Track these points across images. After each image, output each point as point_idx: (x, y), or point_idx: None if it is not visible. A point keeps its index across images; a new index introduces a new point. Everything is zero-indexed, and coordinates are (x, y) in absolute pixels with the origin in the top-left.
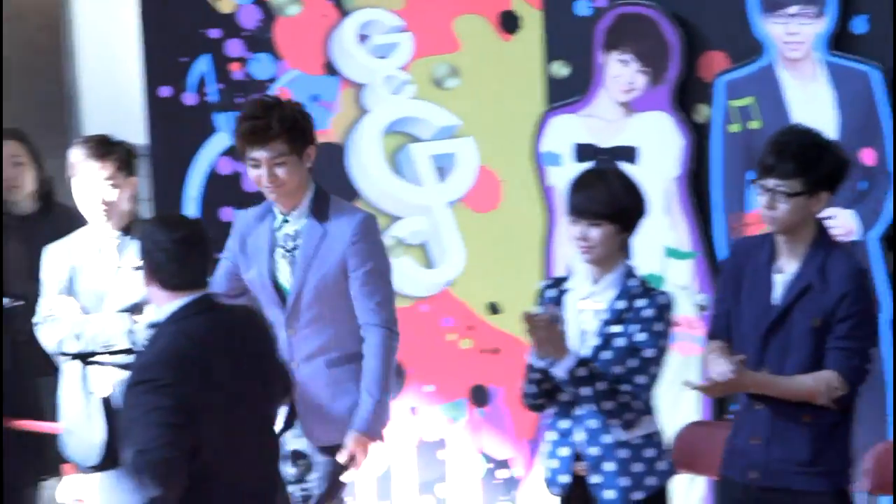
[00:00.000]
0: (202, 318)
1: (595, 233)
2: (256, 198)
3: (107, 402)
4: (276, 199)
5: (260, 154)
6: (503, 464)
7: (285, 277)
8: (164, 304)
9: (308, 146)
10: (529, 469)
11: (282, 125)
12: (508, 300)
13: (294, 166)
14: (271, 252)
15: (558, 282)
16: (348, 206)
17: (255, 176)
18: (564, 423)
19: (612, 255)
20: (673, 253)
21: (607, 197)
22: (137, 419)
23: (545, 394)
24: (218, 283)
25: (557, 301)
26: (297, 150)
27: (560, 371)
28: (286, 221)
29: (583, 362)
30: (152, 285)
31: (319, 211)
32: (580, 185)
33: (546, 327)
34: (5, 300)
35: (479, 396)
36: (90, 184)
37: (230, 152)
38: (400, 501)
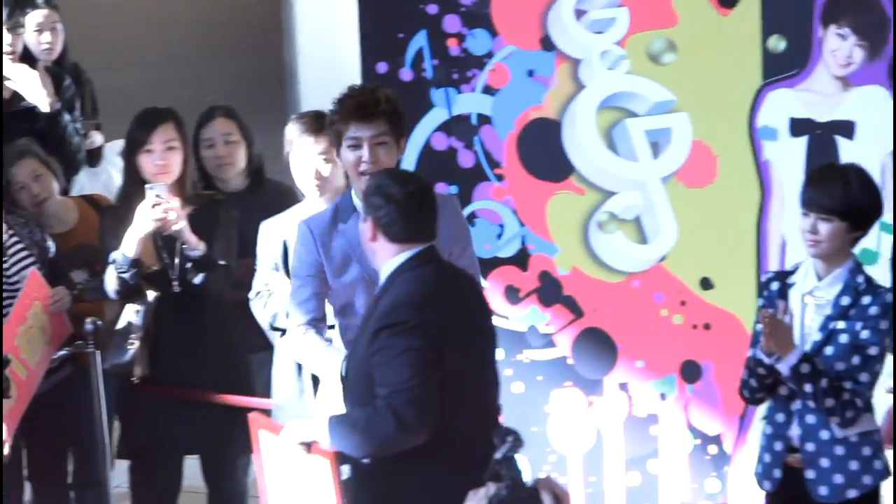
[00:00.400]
0: (431, 268)
1: (824, 228)
2: (471, 174)
3: (317, 378)
4: None
5: (363, 132)
6: (713, 440)
7: None
8: (390, 258)
9: (403, 136)
10: (739, 445)
11: (388, 104)
12: (721, 275)
13: (392, 150)
14: None
15: (782, 275)
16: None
17: (354, 157)
18: (780, 417)
19: (840, 251)
20: (888, 228)
21: (842, 193)
22: (387, 362)
23: (766, 388)
24: (312, 306)
25: (782, 295)
26: (396, 136)
27: (784, 367)
28: None
29: (806, 358)
30: (379, 239)
31: None
32: (817, 178)
33: (774, 322)
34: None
35: (690, 372)
36: (305, 159)
37: (445, 128)
38: (609, 477)
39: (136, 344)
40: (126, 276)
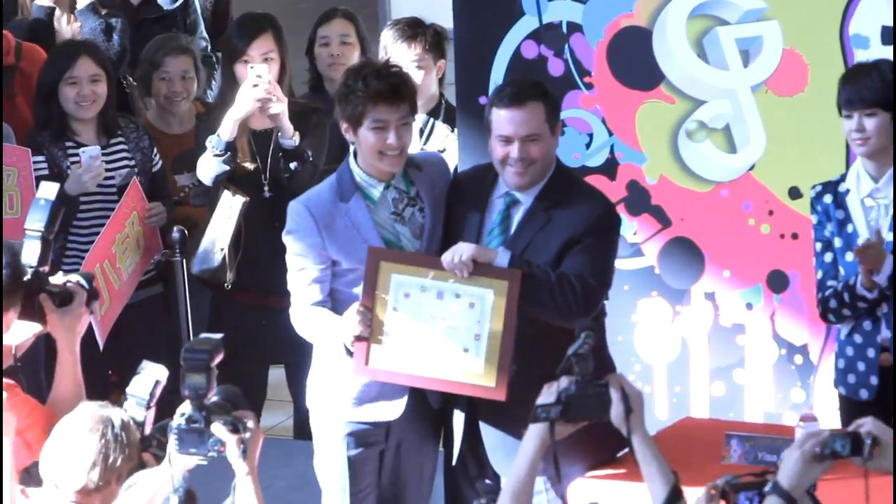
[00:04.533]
0: None
1: (871, 123)
2: (560, 83)
3: None
4: (392, 166)
5: (391, 115)
6: (799, 350)
7: (407, 238)
8: None
9: (415, 113)
10: (825, 355)
11: (412, 85)
12: (810, 185)
13: (411, 131)
14: (376, 224)
15: (830, 185)
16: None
17: (379, 139)
18: (868, 324)
19: (888, 146)
20: None
21: (881, 84)
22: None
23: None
24: (317, 291)
25: (837, 205)
26: (413, 114)
27: (883, 278)
28: (387, 187)
29: None
30: None
31: (414, 165)
32: (851, 76)
33: (866, 247)
34: None
35: (777, 282)
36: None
37: (535, 36)
38: (694, 386)
39: (225, 250)
40: (221, 158)
